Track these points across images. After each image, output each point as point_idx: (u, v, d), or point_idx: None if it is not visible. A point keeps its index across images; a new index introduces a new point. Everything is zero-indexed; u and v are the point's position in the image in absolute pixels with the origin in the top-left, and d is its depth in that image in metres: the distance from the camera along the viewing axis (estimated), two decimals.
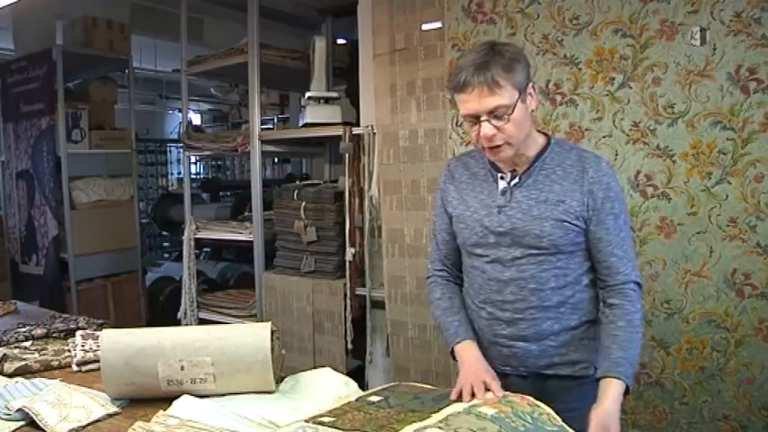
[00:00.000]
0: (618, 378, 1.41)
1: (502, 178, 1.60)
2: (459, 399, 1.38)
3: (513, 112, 1.45)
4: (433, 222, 1.79)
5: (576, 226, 1.53)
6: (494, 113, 1.45)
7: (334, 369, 1.79)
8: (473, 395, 1.38)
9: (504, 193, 1.59)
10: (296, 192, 3.32)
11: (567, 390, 1.57)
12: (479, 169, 1.66)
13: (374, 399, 1.39)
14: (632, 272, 1.56)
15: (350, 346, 3.16)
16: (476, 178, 1.66)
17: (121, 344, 1.66)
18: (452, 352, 1.64)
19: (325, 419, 1.26)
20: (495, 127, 1.46)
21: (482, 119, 1.46)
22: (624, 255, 1.55)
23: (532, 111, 1.55)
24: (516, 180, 1.58)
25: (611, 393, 1.39)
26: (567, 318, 1.58)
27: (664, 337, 2.31)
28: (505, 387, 1.48)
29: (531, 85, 1.52)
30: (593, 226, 1.53)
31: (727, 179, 2.15)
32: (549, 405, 1.34)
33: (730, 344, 2.22)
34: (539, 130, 1.64)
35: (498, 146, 1.50)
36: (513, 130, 1.48)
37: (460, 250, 1.73)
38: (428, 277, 1.82)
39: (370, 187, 3.01)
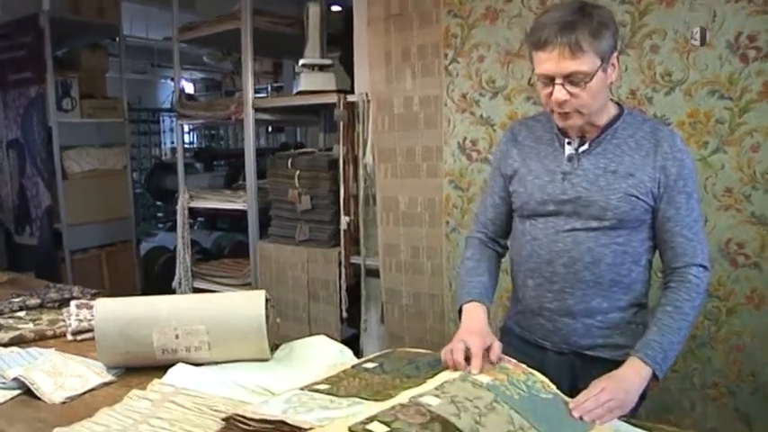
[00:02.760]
0: (641, 359, 1.36)
1: (569, 144, 1.52)
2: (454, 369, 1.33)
3: (591, 80, 1.37)
4: (486, 183, 1.72)
5: (645, 202, 1.45)
6: (570, 78, 1.37)
7: (329, 337, 1.80)
8: (467, 359, 1.32)
9: (570, 159, 1.51)
10: (290, 160, 3.30)
11: (603, 373, 1.45)
12: (545, 133, 1.58)
13: (369, 365, 1.39)
14: (699, 255, 1.47)
15: (344, 314, 3.17)
16: (540, 142, 1.58)
17: (116, 313, 1.66)
18: (460, 312, 1.58)
19: (321, 386, 1.26)
20: (569, 93, 1.38)
21: (557, 81, 1.38)
22: (693, 237, 1.46)
23: (611, 82, 1.47)
24: (585, 147, 1.50)
25: (625, 365, 1.36)
26: (619, 298, 1.52)
27: None
28: (542, 361, 1.45)
29: (615, 54, 1.43)
30: (663, 204, 1.46)
31: (724, 148, 2.14)
32: (582, 384, 1.32)
33: (722, 312, 2.23)
34: (612, 100, 1.55)
35: (567, 113, 1.42)
36: (588, 99, 1.40)
37: (510, 216, 1.67)
38: (468, 236, 1.76)
39: (364, 155, 2.99)
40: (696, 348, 2.28)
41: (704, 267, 1.47)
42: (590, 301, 1.51)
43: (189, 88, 9.60)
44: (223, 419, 1.23)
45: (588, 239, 1.47)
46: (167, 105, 9.38)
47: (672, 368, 2.31)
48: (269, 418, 1.11)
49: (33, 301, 2.27)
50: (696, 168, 1.67)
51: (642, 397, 1.60)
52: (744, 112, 2.09)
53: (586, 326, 1.53)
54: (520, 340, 1.65)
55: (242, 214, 3.59)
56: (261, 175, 3.53)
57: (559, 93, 1.39)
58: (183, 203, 3.75)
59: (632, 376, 1.35)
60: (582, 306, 1.52)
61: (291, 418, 1.07)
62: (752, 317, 2.18)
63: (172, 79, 5.77)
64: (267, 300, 1.69)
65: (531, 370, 1.32)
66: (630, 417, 1.38)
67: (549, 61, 1.38)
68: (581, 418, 1.22)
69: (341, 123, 3.05)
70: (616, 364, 1.48)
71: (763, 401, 2.20)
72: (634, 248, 1.49)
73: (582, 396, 1.29)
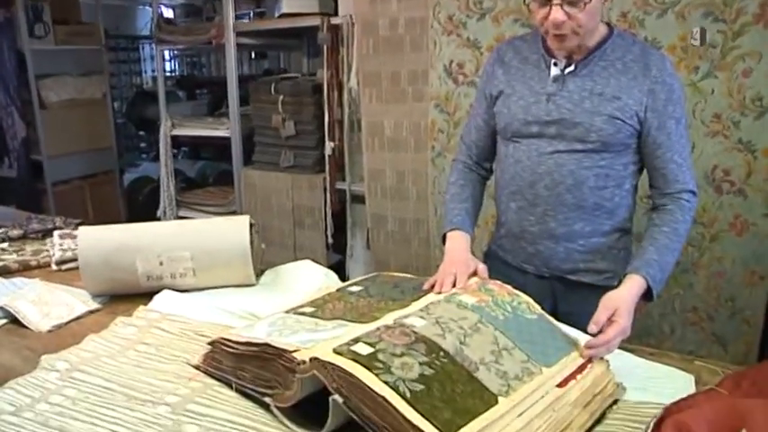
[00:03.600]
0: (643, 277, 1.34)
1: (555, 65, 1.48)
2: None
3: (591, 0, 1.33)
4: (471, 105, 1.70)
5: (630, 126, 1.42)
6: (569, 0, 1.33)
7: (315, 263, 1.80)
8: (454, 285, 1.33)
9: (555, 80, 1.47)
10: (273, 85, 3.25)
11: (584, 297, 1.47)
12: (531, 54, 1.53)
13: (354, 289, 1.39)
14: (690, 180, 1.45)
15: (330, 240, 3.19)
16: (527, 63, 1.53)
17: (99, 241, 1.64)
18: (444, 238, 1.58)
19: (306, 310, 1.26)
20: (567, 14, 1.34)
21: (554, 2, 1.33)
22: (683, 162, 1.45)
23: (605, 1, 1.43)
24: (571, 68, 1.46)
25: (629, 285, 1.34)
26: (602, 222, 1.51)
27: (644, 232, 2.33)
28: (524, 285, 1.44)
29: None
30: (654, 130, 1.43)
31: (715, 73, 2.10)
32: (562, 308, 1.31)
33: (705, 239, 2.25)
34: (602, 21, 1.50)
35: (564, 34, 1.38)
36: (585, 20, 1.35)
37: (494, 139, 1.65)
38: (454, 159, 1.75)
39: (349, 79, 2.94)
40: (679, 274, 2.31)
41: (694, 193, 1.47)
42: (572, 225, 1.51)
43: (168, 13, 9.30)
44: (209, 344, 1.24)
45: (571, 162, 1.46)
46: (147, 32, 9.10)
47: None
48: (254, 341, 1.11)
49: (16, 232, 2.25)
50: (685, 94, 1.64)
51: None
52: (737, 35, 2.04)
53: (568, 250, 1.54)
54: (502, 264, 1.66)
55: (226, 143, 3.56)
56: (244, 102, 3.48)
57: (558, 13, 1.34)
58: (165, 131, 3.70)
59: (628, 294, 1.33)
60: (564, 230, 1.52)
61: (276, 341, 1.07)
62: (734, 244, 2.20)
63: (150, 5, 5.56)
64: (252, 225, 1.68)
65: (516, 291, 1.32)
66: None
67: None
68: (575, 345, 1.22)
69: (324, 47, 2.98)
70: (597, 288, 1.48)
71: (739, 326, 2.26)
72: (617, 172, 1.48)
73: (596, 340, 1.22)
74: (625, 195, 1.52)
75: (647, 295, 1.35)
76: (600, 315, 1.23)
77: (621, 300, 1.28)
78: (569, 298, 1.54)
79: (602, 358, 1.19)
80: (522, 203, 1.55)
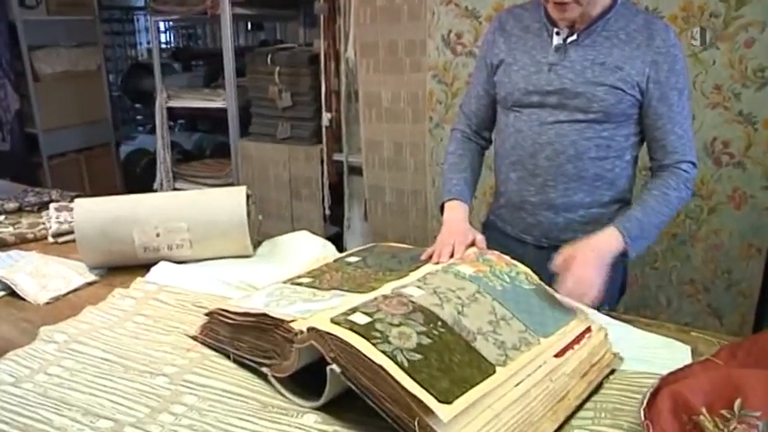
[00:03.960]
0: (619, 230, 1.34)
1: (557, 34, 1.45)
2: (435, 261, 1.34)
3: None
4: (470, 74, 1.69)
5: (632, 96, 1.41)
6: None
7: None
8: (452, 256, 1.33)
9: (557, 50, 1.45)
10: (269, 56, 3.22)
11: None
12: (533, 23, 1.51)
13: (352, 259, 1.38)
14: (689, 152, 1.44)
15: (327, 212, 3.18)
16: (528, 32, 1.51)
17: (95, 212, 1.63)
18: (442, 208, 1.58)
19: (303, 280, 1.26)
20: None
21: None
22: (684, 134, 1.43)
23: None
24: (573, 38, 1.44)
25: (601, 235, 1.34)
26: (602, 193, 1.51)
27: None
28: (523, 255, 1.43)
29: None
30: (654, 101, 1.41)
31: (717, 44, 2.07)
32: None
33: (703, 211, 2.25)
34: None
35: (566, 3, 1.35)
36: None
37: (494, 109, 1.64)
38: (452, 129, 1.73)
39: (346, 50, 2.91)
40: (676, 246, 2.31)
41: (694, 164, 1.45)
42: (572, 196, 1.50)
43: None
44: (206, 314, 1.24)
45: (572, 132, 1.45)
46: (141, 3, 8.98)
47: (651, 265, 2.37)
48: (251, 311, 1.11)
49: (11, 205, 2.23)
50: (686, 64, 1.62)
51: (621, 291, 1.63)
52: (741, 4, 2.01)
53: (567, 220, 1.53)
54: (501, 234, 1.66)
55: (223, 115, 3.53)
56: (240, 73, 3.45)
57: None
58: (160, 103, 3.67)
59: (608, 246, 1.33)
60: (564, 200, 1.51)
61: (273, 311, 1.07)
62: (731, 216, 2.20)
63: None
64: (248, 196, 1.67)
65: (514, 262, 1.32)
66: (610, 309, 1.40)
67: None
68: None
69: (321, 17, 2.95)
70: None
71: (735, 298, 2.27)
72: (618, 143, 1.47)
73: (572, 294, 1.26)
74: (626, 166, 1.51)
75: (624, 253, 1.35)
76: (556, 258, 1.28)
77: (580, 249, 1.29)
78: None
79: (600, 328, 1.19)
80: (523, 173, 1.54)
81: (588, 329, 1.16)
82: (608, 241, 1.34)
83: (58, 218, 2.01)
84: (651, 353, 1.19)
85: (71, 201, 2.21)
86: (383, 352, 0.88)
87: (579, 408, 1.02)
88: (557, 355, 1.06)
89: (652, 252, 2.36)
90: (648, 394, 0.93)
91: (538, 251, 1.58)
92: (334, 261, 1.39)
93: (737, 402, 0.86)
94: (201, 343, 1.23)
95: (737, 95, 2.08)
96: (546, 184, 1.51)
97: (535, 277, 1.29)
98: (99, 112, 4.64)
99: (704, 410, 0.87)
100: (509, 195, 1.61)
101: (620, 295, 1.64)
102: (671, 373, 0.99)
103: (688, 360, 1.14)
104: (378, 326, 0.94)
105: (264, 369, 1.09)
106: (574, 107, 1.44)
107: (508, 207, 1.63)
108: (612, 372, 1.13)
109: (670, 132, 1.43)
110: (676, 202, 1.43)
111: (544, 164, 1.49)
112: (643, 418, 0.89)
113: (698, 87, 2.12)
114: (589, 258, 1.28)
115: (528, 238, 1.60)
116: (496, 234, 1.65)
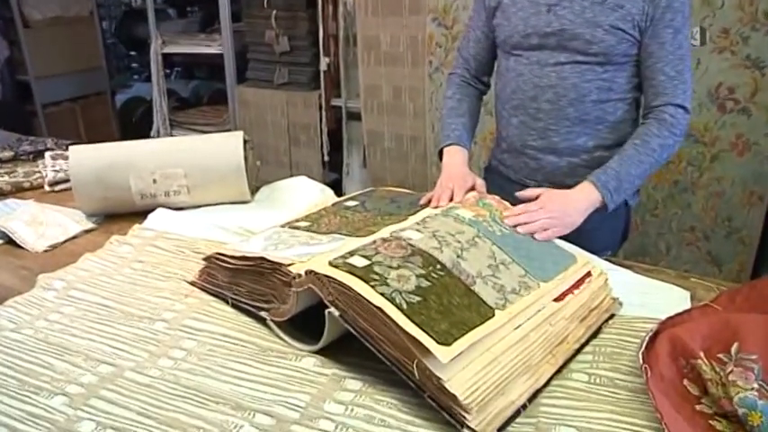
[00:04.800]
0: (592, 183, 1.33)
1: None
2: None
3: None
4: (469, 17, 1.63)
5: (632, 36, 1.35)
6: None
7: None
8: (451, 200, 1.32)
9: None
10: None
11: None
12: None
13: (350, 203, 1.37)
14: (680, 95, 1.37)
15: (326, 158, 3.17)
16: None
17: (91, 159, 1.62)
18: (441, 154, 1.56)
19: (301, 224, 1.25)
20: None
21: None
22: (676, 75, 1.36)
23: None
24: None
25: (578, 188, 1.34)
26: (604, 136, 1.47)
27: None
28: (525, 200, 1.41)
29: None
30: (647, 38, 1.35)
31: None
32: None
33: (706, 158, 2.22)
34: None
35: None
36: None
37: (493, 53, 1.60)
38: (450, 73, 1.70)
39: None
40: (677, 193, 2.30)
41: (684, 108, 1.39)
42: (575, 139, 1.48)
43: None
44: (204, 259, 1.23)
45: (573, 75, 1.42)
46: None
47: (651, 212, 2.36)
48: (249, 255, 1.10)
49: (6, 154, 2.22)
50: (692, 5, 1.57)
51: (623, 238, 1.62)
52: None
53: (571, 164, 1.51)
54: (503, 179, 1.64)
55: (219, 61, 3.47)
56: (236, 18, 3.38)
57: None
58: (155, 49, 3.61)
59: (578, 198, 1.32)
60: (566, 144, 1.49)
61: (271, 255, 1.06)
62: (734, 163, 2.18)
63: None
64: (246, 141, 1.65)
65: (512, 207, 1.30)
66: (611, 255, 1.39)
67: None
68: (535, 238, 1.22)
69: None
70: None
71: (734, 245, 2.27)
72: (619, 85, 1.43)
73: (520, 207, 1.29)
74: (628, 109, 1.48)
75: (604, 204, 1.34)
76: (524, 192, 1.34)
77: (553, 197, 1.32)
78: None
79: (600, 273, 1.18)
80: (524, 118, 1.52)
81: (588, 274, 1.15)
82: (582, 193, 1.33)
83: (53, 166, 1.99)
84: (650, 298, 1.19)
85: (67, 149, 2.19)
86: (382, 294, 0.87)
87: (578, 351, 1.02)
88: (556, 300, 1.05)
89: (652, 199, 2.35)
90: (647, 338, 0.93)
91: None
92: (333, 205, 1.38)
93: (735, 346, 0.86)
94: (200, 288, 1.23)
95: (746, 39, 2.03)
96: (548, 128, 1.49)
97: None
98: (93, 60, 4.57)
99: (702, 354, 0.87)
100: (511, 140, 1.58)
101: (622, 241, 1.63)
102: (670, 318, 0.99)
103: (687, 305, 1.14)
104: (376, 268, 0.94)
105: (263, 313, 1.09)
106: (573, 49, 1.40)
107: (510, 152, 1.61)
108: (612, 316, 1.13)
109: (659, 72, 1.38)
110: (659, 150, 1.38)
111: (546, 107, 1.47)
112: (641, 361, 0.89)
113: (705, 32, 2.07)
114: (555, 197, 1.31)
115: (531, 183, 1.57)
116: (498, 179, 1.64)
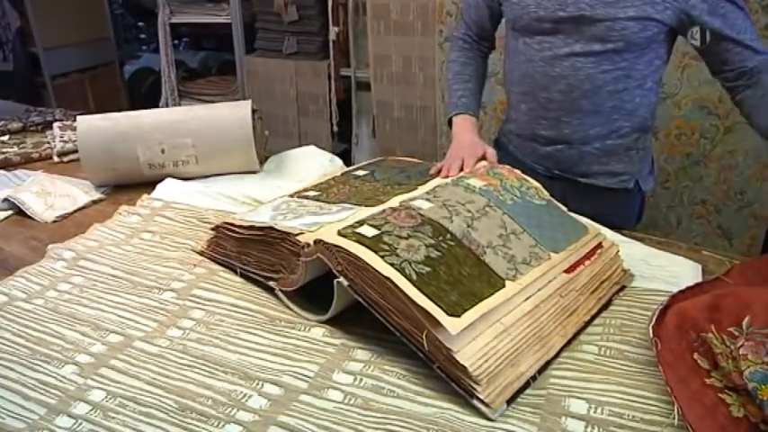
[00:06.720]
0: None
1: None
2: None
3: None
4: None
5: (659, 22, 1.23)
6: None
7: None
8: (461, 170, 1.28)
9: None
10: None
11: (596, 199, 1.42)
12: None
13: (359, 173, 1.35)
14: (761, 46, 1.23)
15: (335, 128, 3.15)
16: None
17: (98, 129, 1.61)
18: (450, 122, 1.52)
19: (310, 193, 1.24)
20: None
21: None
22: (754, 37, 1.23)
23: None
24: None
25: None
26: (620, 125, 1.38)
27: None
28: None
29: None
30: (705, 16, 1.21)
31: None
32: (572, 209, 1.23)
33: (719, 131, 2.18)
34: None
35: None
36: None
37: (494, 22, 1.53)
38: (453, 35, 1.65)
39: None
40: (689, 166, 2.26)
41: None
42: (588, 130, 1.39)
43: None
44: (212, 229, 1.22)
45: (588, 65, 1.31)
46: None
47: (663, 185, 2.33)
48: (258, 224, 1.09)
49: (15, 125, 2.21)
50: None
51: (638, 218, 1.58)
52: None
53: (582, 153, 1.43)
54: (512, 159, 1.55)
55: (228, 31, 3.44)
56: None
57: None
58: (163, 19, 3.58)
59: None
60: (579, 135, 1.41)
61: (280, 224, 1.06)
62: (747, 136, 2.14)
63: None
64: (254, 110, 1.64)
65: (524, 176, 1.28)
66: (621, 229, 1.36)
67: None
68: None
69: None
70: (610, 191, 1.44)
71: (746, 219, 2.24)
72: (639, 71, 1.32)
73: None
74: (646, 94, 1.37)
75: None
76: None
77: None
78: (579, 200, 1.39)
79: (612, 245, 1.16)
80: (534, 105, 1.43)
81: (599, 245, 1.14)
82: None
83: (62, 137, 1.99)
84: (662, 271, 1.18)
85: (75, 120, 2.18)
86: (391, 264, 0.87)
87: (588, 323, 1.01)
88: (567, 271, 1.04)
89: (664, 172, 2.32)
90: (658, 311, 0.92)
91: (549, 181, 1.44)
92: (342, 175, 1.37)
93: (746, 320, 0.85)
94: (208, 258, 1.23)
95: (765, 7, 1.98)
96: (559, 119, 1.40)
97: (546, 193, 1.25)
98: (101, 31, 4.54)
99: (712, 327, 0.86)
100: (520, 125, 1.51)
101: (636, 221, 1.58)
102: (680, 291, 0.98)
103: (698, 278, 1.13)
104: (386, 238, 0.93)
105: (271, 283, 1.09)
106: (591, 36, 1.28)
107: (520, 137, 1.54)
108: (623, 288, 1.12)
109: (737, 43, 1.23)
110: None
111: (557, 98, 1.37)
112: (652, 335, 0.88)
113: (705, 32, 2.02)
114: None
115: (539, 168, 1.51)
116: (507, 157, 1.57)
